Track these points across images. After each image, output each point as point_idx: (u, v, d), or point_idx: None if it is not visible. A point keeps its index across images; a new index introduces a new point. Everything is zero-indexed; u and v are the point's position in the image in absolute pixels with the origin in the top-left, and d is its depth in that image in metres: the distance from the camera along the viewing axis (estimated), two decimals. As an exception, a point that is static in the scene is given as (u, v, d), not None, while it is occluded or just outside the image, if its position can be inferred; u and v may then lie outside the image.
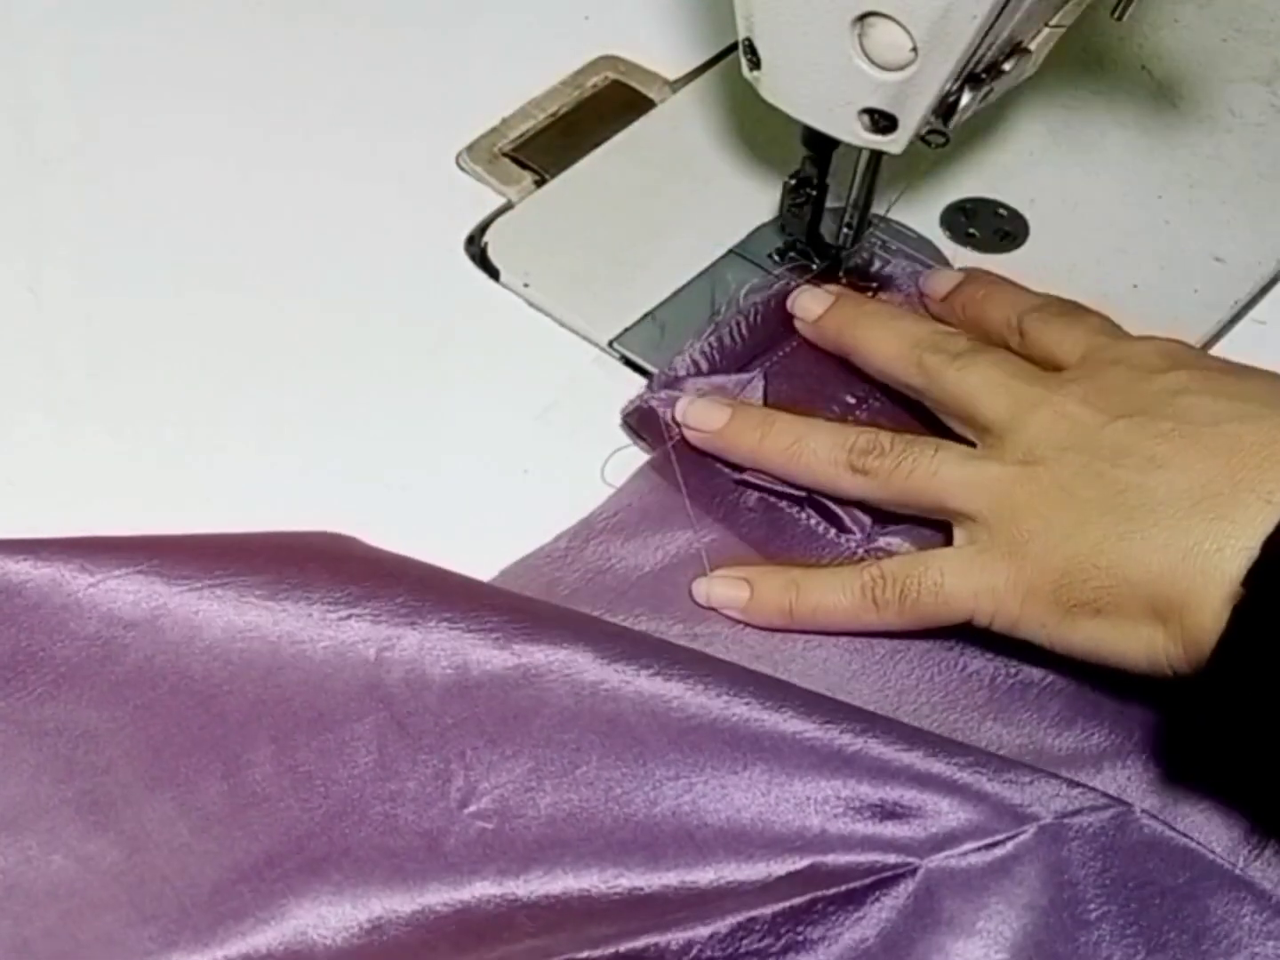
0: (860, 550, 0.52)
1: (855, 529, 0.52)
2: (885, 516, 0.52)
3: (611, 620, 0.50)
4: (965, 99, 0.51)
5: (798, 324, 0.56)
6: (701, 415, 0.54)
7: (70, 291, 0.59)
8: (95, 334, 0.58)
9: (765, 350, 0.57)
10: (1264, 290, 0.61)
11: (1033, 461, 0.48)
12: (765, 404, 0.55)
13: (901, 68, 0.49)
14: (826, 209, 0.58)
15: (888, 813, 0.44)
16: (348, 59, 0.67)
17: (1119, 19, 0.53)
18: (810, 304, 0.56)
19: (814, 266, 0.58)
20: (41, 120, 0.65)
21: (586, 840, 0.44)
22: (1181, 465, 0.46)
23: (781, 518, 0.53)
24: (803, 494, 0.53)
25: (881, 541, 0.52)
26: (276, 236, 0.61)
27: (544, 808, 0.44)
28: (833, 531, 0.53)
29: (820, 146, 0.55)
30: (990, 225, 0.62)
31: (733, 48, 0.57)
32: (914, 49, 0.49)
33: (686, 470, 0.54)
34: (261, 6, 0.69)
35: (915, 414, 0.54)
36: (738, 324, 0.57)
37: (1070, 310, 0.54)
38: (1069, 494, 0.47)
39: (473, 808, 0.44)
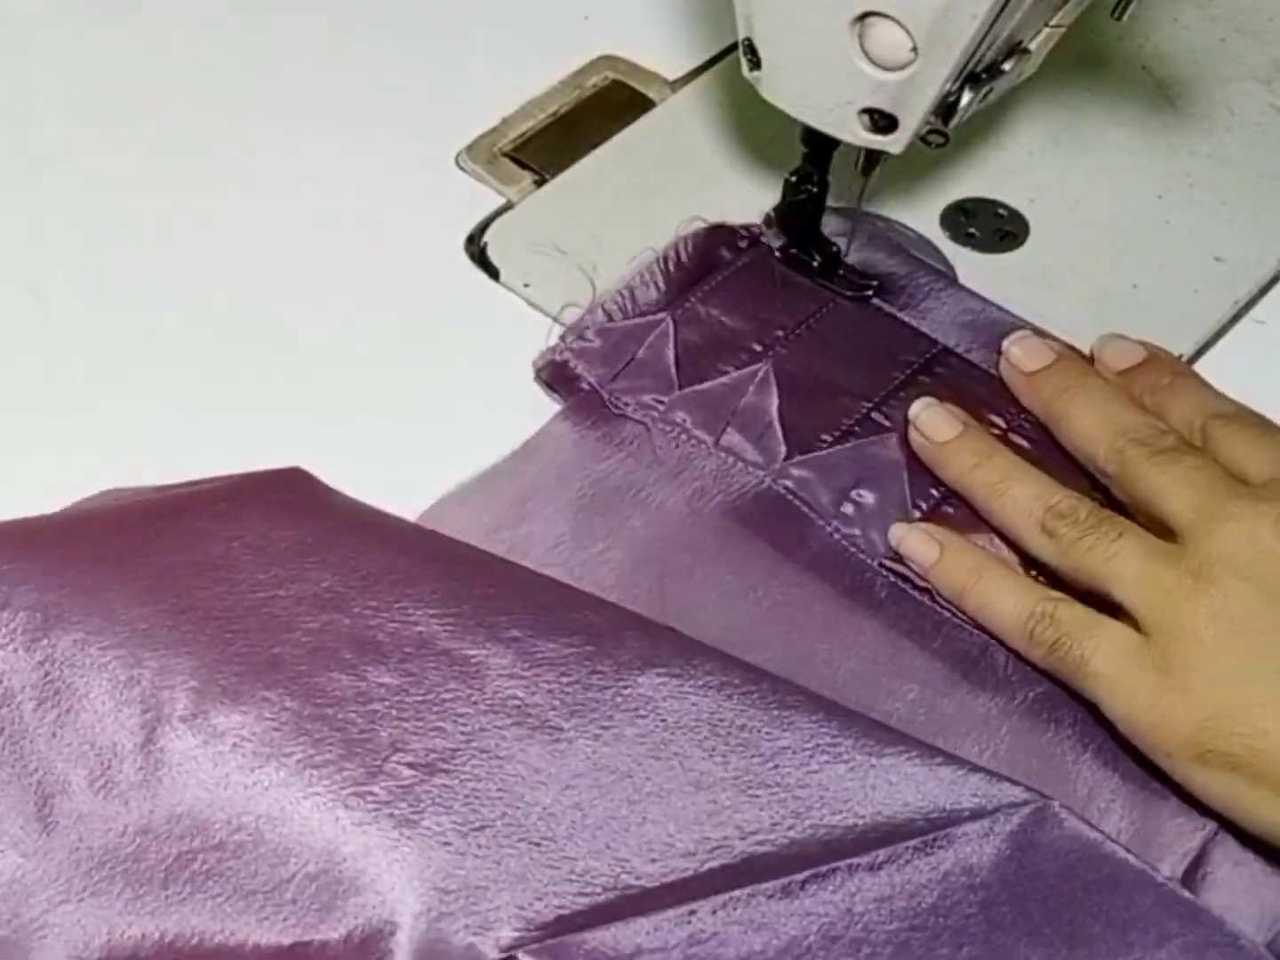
0: (769, 481, 0.53)
1: (762, 459, 0.54)
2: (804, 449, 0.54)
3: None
4: (965, 99, 0.51)
5: (1003, 368, 0.55)
6: (933, 422, 0.53)
7: (71, 292, 0.59)
8: (96, 333, 0.58)
9: (676, 298, 0.57)
10: (1264, 290, 0.61)
11: (1207, 579, 0.46)
12: (676, 353, 0.56)
13: (901, 67, 0.49)
14: (827, 208, 0.58)
15: None
16: (347, 59, 0.67)
17: (1119, 19, 0.53)
18: (1027, 356, 0.54)
19: (814, 265, 0.58)
20: (41, 120, 0.65)
21: None
22: None
23: (694, 453, 0.54)
24: (710, 438, 0.54)
25: (794, 474, 0.53)
26: (276, 235, 0.61)
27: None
28: (740, 465, 0.54)
29: (820, 146, 0.55)
30: (990, 225, 0.62)
31: (733, 48, 0.57)
32: (914, 49, 0.49)
33: (597, 418, 0.55)
34: (261, 6, 0.69)
35: (824, 370, 0.55)
36: (651, 273, 0.57)
37: (1263, 423, 0.52)
38: (1238, 632, 0.45)
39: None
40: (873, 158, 0.54)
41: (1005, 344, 0.55)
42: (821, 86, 0.51)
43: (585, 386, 0.56)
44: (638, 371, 0.56)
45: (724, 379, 0.55)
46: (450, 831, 0.40)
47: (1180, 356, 0.57)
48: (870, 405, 0.55)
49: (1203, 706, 0.45)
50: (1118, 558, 0.47)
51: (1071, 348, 0.55)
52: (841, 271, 0.58)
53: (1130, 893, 0.42)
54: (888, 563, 0.52)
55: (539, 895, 0.39)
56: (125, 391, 0.56)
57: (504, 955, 0.37)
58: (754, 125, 0.63)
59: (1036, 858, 0.42)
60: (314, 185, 0.63)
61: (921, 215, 0.62)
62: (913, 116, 0.51)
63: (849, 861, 0.40)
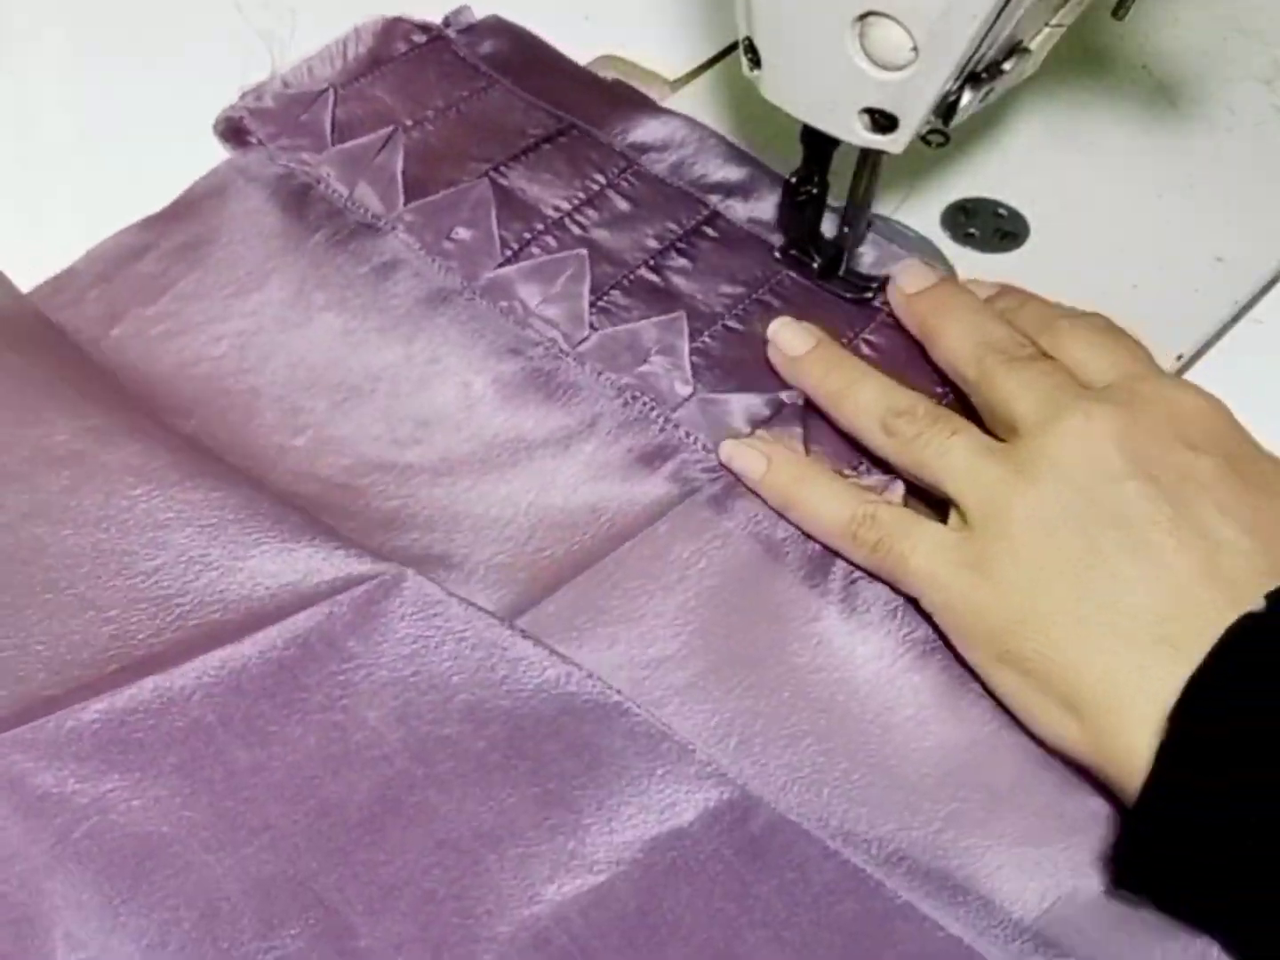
0: (386, 226, 0.59)
1: (384, 208, 0.60)
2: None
3: None
4: (966, 98, 0.51)
5: (890, 293, 0.56)
6: (788, 338, 0.55)
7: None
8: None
9: (348, 78, 0.64)
10: (1264, 290, 0.61)
11: (1030, 478, 0.48)
12: (334, 119, 0.62)
13: (902, 67, 0.49)
14: (827, 208, 0.58)
15: None
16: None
17: (1120, 18, 0.53)
18: (909, 280, 0.56)
19: (814, 265, 0.58)
20: (42, 120, 0.65)
21: None
22: (1158, 571, 0.45)
23: (333, 203, 0.60)
24: (346, 190, 0.60)
25: (406, 219, 0.59)
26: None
27: None
28: (365, 212, 0.60)
29: (820, 146, 0.55)
30: (990, 225, 0.62)
31: (733, 47, 0.57)
32: (914, 48, 0.49)
33: (258, 171, 0.61)
34: (260, 5, 0.69)
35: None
36: (330, 53, 0.64)
37: (1109, 328, 0.53)
38: (1048, 534, 0.47)
39: None
40: (871, 158, 0.54)
41: (894, 269, 0.57)
42: (822, 86, 0.51)
43: (254, 142, 0.62)
44: (298, 132, 0.62)
45: (363, 140, 0.61)
46: None
47: (1180, 357, 0.57)
48: (490, 165, 0.61)
49: (1009, 608, 0.46)
50: (950, 453, 0.49)
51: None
52: (842, 273, 0.58)
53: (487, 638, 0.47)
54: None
55: None
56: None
57: None
58: (754, 125, 0.63)
59: (389, 622, 0.47)
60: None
61: (921, 215, 0.62)
62: (913, 116, 0.51)
63: (231, 647, 0.46)
